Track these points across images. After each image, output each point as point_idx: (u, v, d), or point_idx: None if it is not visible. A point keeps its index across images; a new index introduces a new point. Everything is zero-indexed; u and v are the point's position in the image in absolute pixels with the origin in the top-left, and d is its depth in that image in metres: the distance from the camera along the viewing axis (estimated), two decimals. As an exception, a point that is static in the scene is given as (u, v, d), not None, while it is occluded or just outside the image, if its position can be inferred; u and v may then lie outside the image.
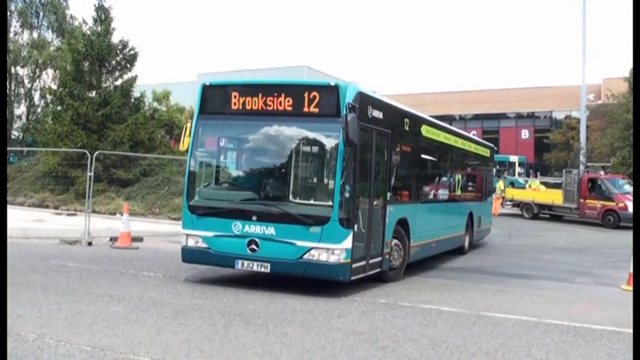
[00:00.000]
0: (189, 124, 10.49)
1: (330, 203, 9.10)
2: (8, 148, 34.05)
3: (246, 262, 9.47)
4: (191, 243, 9.96)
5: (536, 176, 37.64)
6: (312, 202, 9.60)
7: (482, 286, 11.45)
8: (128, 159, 24.26)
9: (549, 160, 44.08)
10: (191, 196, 10.09)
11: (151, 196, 23.27)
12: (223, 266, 10.07)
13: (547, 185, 31.29)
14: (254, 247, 9.40)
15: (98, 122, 25.54)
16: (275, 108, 9.53)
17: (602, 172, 29.08)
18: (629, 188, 26.68)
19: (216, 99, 10.25)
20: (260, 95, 9.63)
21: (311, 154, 10.12)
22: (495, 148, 21.46)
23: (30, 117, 38.73)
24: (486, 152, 19.03)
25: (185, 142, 10.54)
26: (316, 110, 9.30)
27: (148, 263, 10.93)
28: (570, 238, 22.06)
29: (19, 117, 39.28)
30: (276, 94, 9.53)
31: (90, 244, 15.13)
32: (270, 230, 9.31)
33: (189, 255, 10.05)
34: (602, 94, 39.09)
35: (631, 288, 11.31)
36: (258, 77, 23.29)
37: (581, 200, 27.02)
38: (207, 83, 10.33)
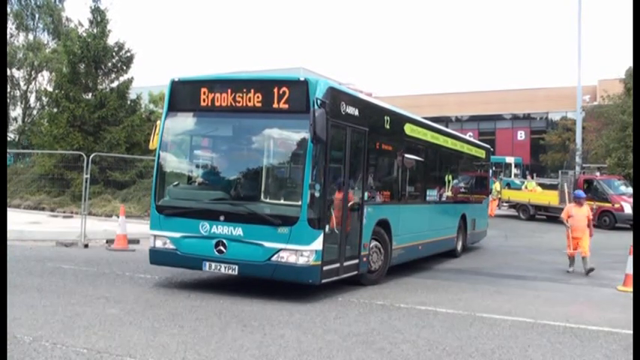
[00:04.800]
0: (159, 122, 10.21)
1: (298, 203, 8.83)
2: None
3: (213, 264, 9.25)
4: (159, 244, 9.74)
5: (532, 177, 37.67)
6: (280, 201, 9.36)
7: (478, 287, 11.46)
8: (124, 161, 24.21)
9: (545, 162, 44.17)
10: (159, 196, 9.87)
11: (148, 198, 23.11)
12: (191, 268, 9.86)
13: (543, 186, 31.33)
14: (221, 248, 9.18)
15: (94, 124, 25.49)
16: (244, 104, 9.30)
17: (597, 173, 29.16)
18: (624, 189, 26.78)
19: (185, 95, 10.00)
20: (229, 91, 9.40)
21: (281, 151, 9.81)
22: (491, 150, 21.39)
23: (26, 119, 38.68)
24: (481, 153, 18.91)
25: (154, 141, 10.22)
26: (286, 106, 9.04)
27: (144, 265, 10.91)
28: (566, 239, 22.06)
29: (15, 119, 39.23)
30: (245, 90, 9.29)
31: (86, 246, 15.10)
32: (238, 231, 9.08)
33: (157, 256, 9.82)
34: (598, 96, 39.18)
35: (627, 289, 11.37)
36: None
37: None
38: (176, 79, 10.08)
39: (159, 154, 10.03)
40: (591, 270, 13.50)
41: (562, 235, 23.05)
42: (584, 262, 13.66)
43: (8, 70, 37.20)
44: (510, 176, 38.11)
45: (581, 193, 14.68)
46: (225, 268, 9.21)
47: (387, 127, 11.42)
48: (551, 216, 29.05)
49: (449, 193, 15.51)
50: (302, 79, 9.09)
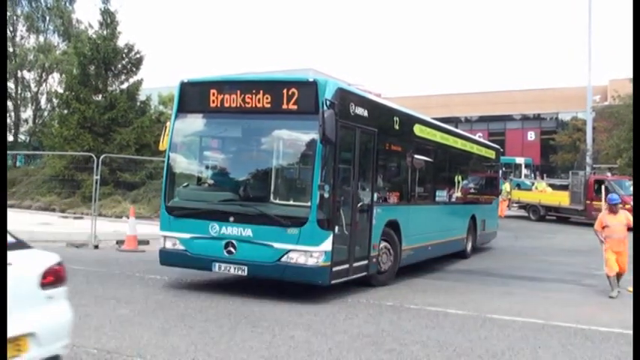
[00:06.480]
0: (168, 124, 10.24)
1: (308, 204, 8.81)
2: (15, 152, 34.23)
3: (223, 265, 9.24)
4: (168, 245, 9.76)
5: (542, 178, 37.46)
6: (290, 202, 9.36)
7: (488, 289, 11.42)
8: (134, 162, 24.33)
9: (555, 162, 43.95)
10: (169, 197, 9.89)
11: (157, 199, 23.12)
12: (200, 269, 9.87)
13: (553, 187, 31.15)
14: (231, 249, 9.17)
15: (104, 125, 25.65)
16: (254, 105, 9.28)
17: (608, 174, 28.96)
18: (636, 189, 26.56)
19: (194, 96, 10.00)
20: (238, 92, 9.39)
21: (290, 152, 9.80)
22: (501, 150, 21.30)
23: (36, 121, 38.88)
24: (491, 154, 18.84)
25: (164, 142, 10.23)
26: (295, 107, 9.01)
27: (155, 266, 10.94)
28: (577, 240, 21.94)
29: (26, 121, 39.43)
30: (254, 91, 9.27)
31: (96, 247, 15.18)
32: (247, 232, 9.07)
33: (167, 257, 9.83)
34: (609, 96, 39.00)
35: (638, 290, 11.21)
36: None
37: (588, 202, 26.89)
38: (186, 80, 10.08)
39: (168, 156, 10.05)
40: (612, 296, 11.07)
41: (572, 237, 23.12)
42: (617, 280, 11.39)
43: (19, 72, 37.44)
44: (520, 177, 37.93)
45: (615, 197, 11.97)
46: (234, 269, 9.21)
47: (396, 127, 11.39)
48: (561, 217, 28.91)
49: (458, 194, 15.45)
50: (311, 79, 9.07)
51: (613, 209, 11.59)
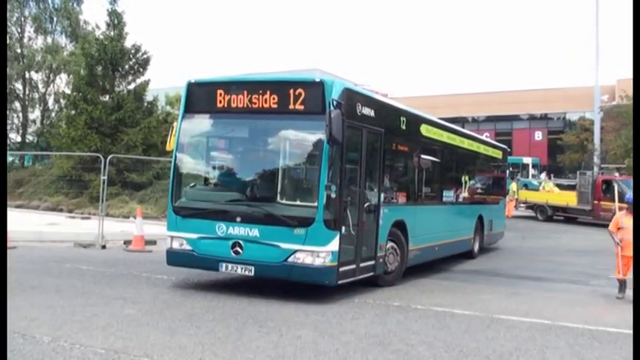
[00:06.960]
0: (175, 124, 10.27)
1: (314, 204, 8.83)
2: (23, 152, 34.38)
3: (230, 265, 9.26)
4: (175, 245, 9.78)
5: (549, 178, 37.29)
6: (296, 202, 9.35)
7: (495, 289, 11.40)
8: (141, 162, 24.39)
9: (563, 162, 43.80)
10: (176, 197, 9.91)
11: (164, 200, 23.19)
12: (207, 269, 9.89)
13: (561, 187, 31.04)
14: (238, 249, 9.19)
15: (111, 126, 25.74)
16: (260, 106, 9.30)
17: (616, 174, 28.82)
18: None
19: (201, 97, 10.01)
20: (245, 93, 9.41)
21: (297, 153, 9.83)
22: (508, 150, 21.23)
23: (44, 121, 38.99)
24: (498, 154, 18.79)
25: (171, 142, 10.27)
26: (302, 107, 9.03)
27: (161, 266, 10.97)
28: (585, 240, 21.89)
29: (34, 121, 39.54)
30: (261, 92, 9.29)
31: (104, 247, 15.22)
32: (254, 232, 9.08)
33: (174, 257, 9.86)
34: (616, 95, 38.83)
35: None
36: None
37: (596, 202, 26.79)
38: (193, 81, 10.10)
39: (175, 156, 10.08)
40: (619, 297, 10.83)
41: (579, 237, 23.03)
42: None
43: (27, 72, 37.57)
44: (528, 177, 37.80)
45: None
46: (241, 269, 9.22)
47: (403, 127, 11.38)
48: (569, 217, 28.80)
49: (465, 194, 15.40)
50: (318, 80, 9.07)
51: (632, 210, 10.71)
